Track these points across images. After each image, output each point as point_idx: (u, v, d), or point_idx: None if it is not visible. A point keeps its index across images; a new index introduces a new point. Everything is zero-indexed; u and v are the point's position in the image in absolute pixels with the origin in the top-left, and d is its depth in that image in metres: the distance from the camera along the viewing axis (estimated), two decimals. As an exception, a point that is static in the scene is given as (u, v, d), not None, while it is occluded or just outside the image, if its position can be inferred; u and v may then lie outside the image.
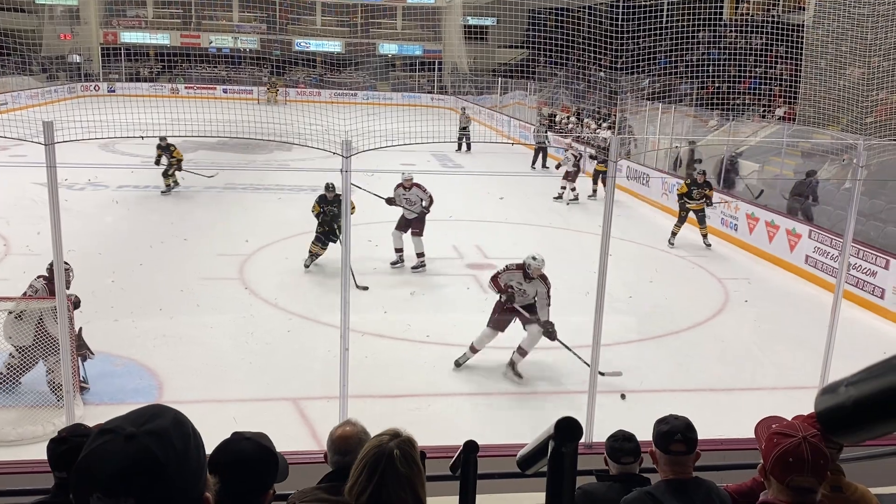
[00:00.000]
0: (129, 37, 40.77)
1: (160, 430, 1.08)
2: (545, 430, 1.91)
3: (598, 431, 4.84)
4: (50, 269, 6.67)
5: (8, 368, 6.64)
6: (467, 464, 2.89)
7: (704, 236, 13.47)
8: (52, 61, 37.26)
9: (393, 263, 11.22)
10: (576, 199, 16.92)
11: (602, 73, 23.85)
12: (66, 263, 6.86)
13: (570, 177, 16.85)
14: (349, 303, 5.24)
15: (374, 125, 6.74)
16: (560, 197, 16.95)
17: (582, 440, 2.16)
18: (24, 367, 6.58)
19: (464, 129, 24.10)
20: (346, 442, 2.73)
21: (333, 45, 42.17)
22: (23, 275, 8.46)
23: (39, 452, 2.88)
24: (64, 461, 2.71)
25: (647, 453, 3.32)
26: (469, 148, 23.99)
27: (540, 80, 29.93)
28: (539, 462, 2.06)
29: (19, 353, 6.54)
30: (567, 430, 1.67)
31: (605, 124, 23.48)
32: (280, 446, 2.47)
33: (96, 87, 37.50)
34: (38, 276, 6.89)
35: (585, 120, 25.16)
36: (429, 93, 39.90)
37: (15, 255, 10.93)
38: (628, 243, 12.76)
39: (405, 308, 9.59)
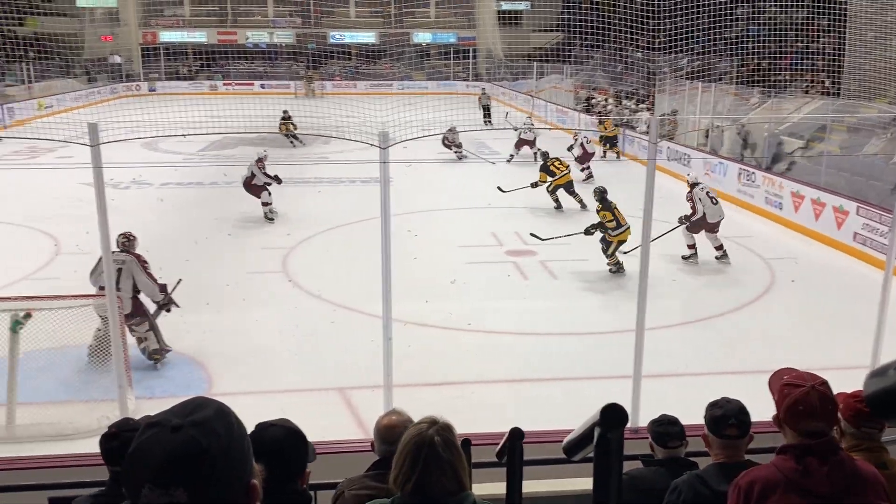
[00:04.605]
0: (168, 36, 41.35)
1: (204, 421, 1.11)
2: (590, 416, 1.91)
3: (644, 417, 4.82)
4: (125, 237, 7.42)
5: (97, 340, 6.93)
6: (513, 451, 2.90)
7: None
8: (94, 63, 37.99)
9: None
10: (589, 176, 17.30)
11: (639, 54, 23.51)
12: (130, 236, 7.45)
13: (580, 159, 17.38)
14: (391, 293, 5.28)
15: (410, 115, 6.76)
16: (587, 179, 17.39)
17: (628, 425, 2.16)
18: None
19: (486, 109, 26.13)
20: (392, 431, 2.76)
21: (367, 37, 42.24)
22: (74, 273, 8.69)
23: (95, 446, 2.96)
24: (116, 455, 2.77)
25: (695, 437, 3.30)
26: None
27: (576, 63, 29.61)
28: (585, 448, 2.06)
29: (105, 323, 6.77)
30: (612, 416, 1.66)
31: (643, 105, 23.19)
32: (327, 436, 2.52)
33: (137, 87, 38.17)
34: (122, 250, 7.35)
35: (624, 101, 24.87)
36: (464, 80, 39.78)
37: (65, 254, 11.21)
38: (671, 225, 12.59)
39: (446, 296, 9.62)
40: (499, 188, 14.74)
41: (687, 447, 3.31)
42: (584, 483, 2.30)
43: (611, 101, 25.82)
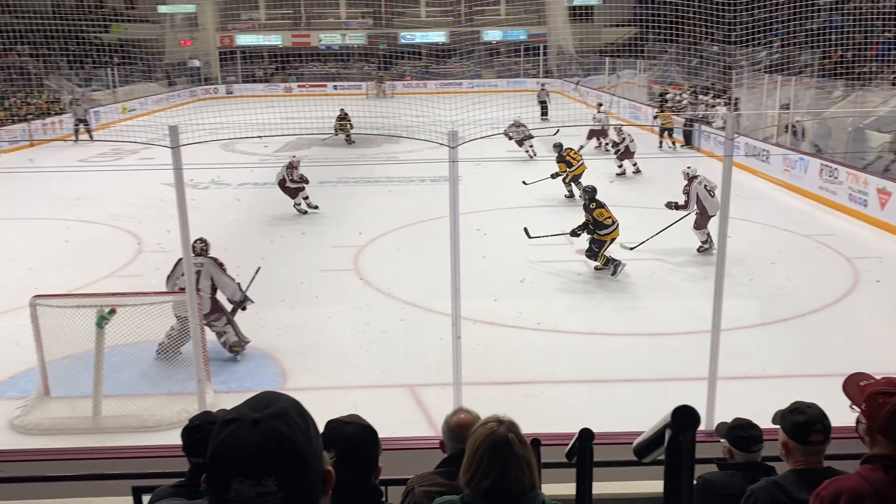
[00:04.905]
0: (244, 40, 42.46)
1: (283, 412, 1.15)
2: (662, 418, 1.88)
3: (720, 420, 4.70)
4: (203, 242, 7.77)
5: (169, 339, 7.27)
6: (583, 451, 2.88)
7: None
8: (174, 67, 39.34)
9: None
10: (638, 171, 17.56)
11: (715, 48, 22.91)
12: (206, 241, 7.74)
13: (623, 156, 17.40)
14: (460, 291, 5.29)
15: (479, 114, 6.76)
16: (623, 173, 17.44)
17: (701, 428, 2.11)
18: (185, 336, 7.19)
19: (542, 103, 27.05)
20: (465, 429, 2.76)
21: (438, 36, 42.44)
22: (156, 271, 9.02)
23: (176, 437, 3.07)
24: (198, 447, 2.86)
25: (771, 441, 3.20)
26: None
27: (649, 57, 29.08)
28: (656, 450, 2.03)
29: (181, 322, 7.05)
30: (684, 418, 1.63)
31: (719, 100, 22.62)
32: (397, 432, 2.54)
33: (215, 90, 39.30)
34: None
35: (700, 97, 24.31)
36: (534, 77, 39.53)
37: (147, 252, 11.65)
38: (748, 223, 12.25)
39: (516, 295, 9.59)
40: (523, 182, 15.09)
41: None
42: (655, 486, 2.26)
43: (685, 95, 25.26)
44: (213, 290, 7.69)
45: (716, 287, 5.27)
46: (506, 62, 41.84)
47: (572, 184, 14.92)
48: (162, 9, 39.08)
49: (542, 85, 30.00)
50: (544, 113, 26.81)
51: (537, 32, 41.84)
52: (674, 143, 21.21)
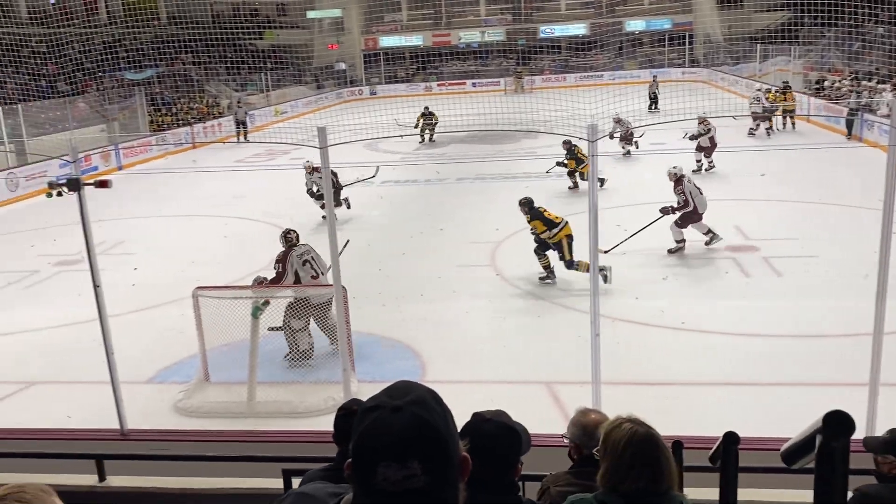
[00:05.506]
0: (387, 41, 43.67)
1: (422, 400, 1.19)
2: (813, 422, 1.79)
3: (881, 429, 4.37)
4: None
5: (310, 346, 7.64)
6: (728, 455, 2.77)
7: None
8: (322, 70, 41.11)
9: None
10: (711, 167, 16.77)
11: (881, 30, 21.27)
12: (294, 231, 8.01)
13: (707, 152, 16.62)
14: (599, 287, 5.21)
15: (619, 106, 6.62)
16: (699, 170, 16.46)
17: (859, 437, 1.99)
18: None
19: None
20: (600, 429, 2.73)
21: (578, 28, 41.86)
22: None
23: (322, 423, 3.20)
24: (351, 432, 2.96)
25: None
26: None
27: (805, 43, 27.37)
28: (806, 457, 1.93)
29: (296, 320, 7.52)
30: (837, 423, 1.54)
31: (885, 85, 20.99)
32: (534, 429, 2.53)
33: (360, 92, 40.68)
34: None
35: (863, 83, 22.64)
36: (679, 67, 38.19)
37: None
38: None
39: (658, 294, 9.32)
40: (546, 171, 16.09)
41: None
42: (804, 495, 2.14)
43: (846, 82, 23.60)
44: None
45: (878, 287, 4.92)
46: (649, 52, 40.65)
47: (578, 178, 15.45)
48: (311, 14, 40.92)
49: (654, 77, 29.68)
50: (654, 105, 26.67)
51: (683, 21, 40.36)
52: (793, 124, 21.59)
